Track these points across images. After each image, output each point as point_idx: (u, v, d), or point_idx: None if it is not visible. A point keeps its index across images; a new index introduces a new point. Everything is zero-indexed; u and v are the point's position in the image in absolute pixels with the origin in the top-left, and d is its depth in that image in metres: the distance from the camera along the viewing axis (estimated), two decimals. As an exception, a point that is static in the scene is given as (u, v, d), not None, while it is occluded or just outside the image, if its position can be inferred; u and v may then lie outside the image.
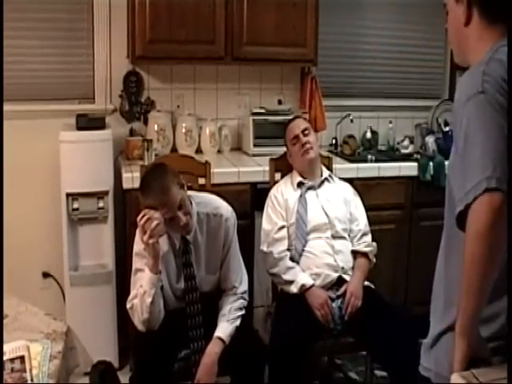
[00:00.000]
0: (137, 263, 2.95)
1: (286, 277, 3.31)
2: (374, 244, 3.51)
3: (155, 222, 2.74)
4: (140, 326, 2.89)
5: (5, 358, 2.10)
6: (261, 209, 3.61)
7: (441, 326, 1.82)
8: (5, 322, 2.48)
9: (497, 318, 1.70)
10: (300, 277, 3.28)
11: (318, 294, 3.23)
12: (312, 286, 3.26)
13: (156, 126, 4.31)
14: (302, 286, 3.25)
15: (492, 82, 1.65)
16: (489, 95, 1.64)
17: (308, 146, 3.52)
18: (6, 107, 4.00)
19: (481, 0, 1.78)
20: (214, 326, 2.96)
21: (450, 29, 1.92)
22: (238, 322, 3.01)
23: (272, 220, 3.46)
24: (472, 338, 1.63)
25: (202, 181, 3.62)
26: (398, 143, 4.91)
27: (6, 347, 2.17)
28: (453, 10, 1.86)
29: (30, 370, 2.08)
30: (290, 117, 3.99)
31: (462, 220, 1.63)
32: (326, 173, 3.64)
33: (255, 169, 4.10)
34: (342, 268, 3.36)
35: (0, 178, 3.30)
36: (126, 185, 3.79)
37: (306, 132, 3.57)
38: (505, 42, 1.73)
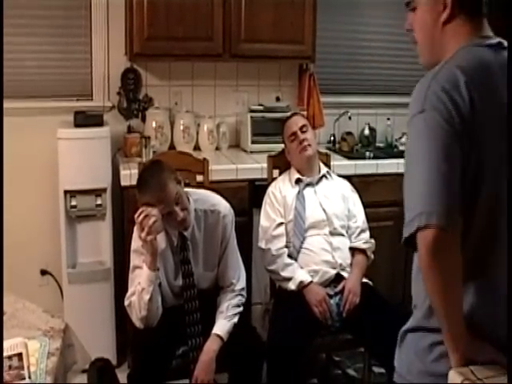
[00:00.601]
0: (135, 260, 2.95)
1: (284, 274, 3.31)
2: (372, 241, 3.51)
3: (153, 219, 2.75)
4: (138, 323, 2.89)
5: (3, 355, 2.11)
6: (259, 206, 3.61)
7: (406, 326, 1.83)
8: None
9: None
10: (298, 274, 3.28)
11: (316, 291, 3.23)
12: (310, 282, 3.26)
13: (154, 123, 4.30)
14: (300, 282, 3.25)
15: (435, 99, 1.60)
16: (430, 114, 1.59)
17: (306, 143, 3.52)
18: (4, 104, 4.00)
19: None
20: (212, 323, 2.97)
21: (419, 28, 1.82)
22: (235, 319, 3.01)
23: (270, 217, 3.46)
24: (463, 349, 1.61)
25: (199, 178, 3.61)
26: (396, 140, 4.92)
27: (3, 344, 2.17)
28: (426, 6, 1.77)
29: (28, 367, 2.09)
30: (288, 114, 3.99)
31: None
32: (324, 169, 3.64)
33: (253, 166, 4.11)
34: (340, 265, 3.36)
35: (0, 179, 3.30)
36: (124, 182, 3.79)
37: (304, 129, 3.57)
38: (471, 41, 1.71)
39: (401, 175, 4.46)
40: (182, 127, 4.39)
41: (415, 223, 1.55)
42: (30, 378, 2.05)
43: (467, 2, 1.72)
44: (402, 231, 1.62)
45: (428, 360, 1.71)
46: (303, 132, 3.56)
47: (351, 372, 3.93)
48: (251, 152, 4.44)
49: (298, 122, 3.62)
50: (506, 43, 1.74)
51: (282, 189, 3.52)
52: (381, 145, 5.00)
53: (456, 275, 1.59)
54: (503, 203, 1.63)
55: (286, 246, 3.41)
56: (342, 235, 3.47)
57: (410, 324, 1.81)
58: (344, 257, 3.40)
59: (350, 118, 4.85)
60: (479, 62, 1.67)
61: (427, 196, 1.55)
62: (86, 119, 3.83)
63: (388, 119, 5.05)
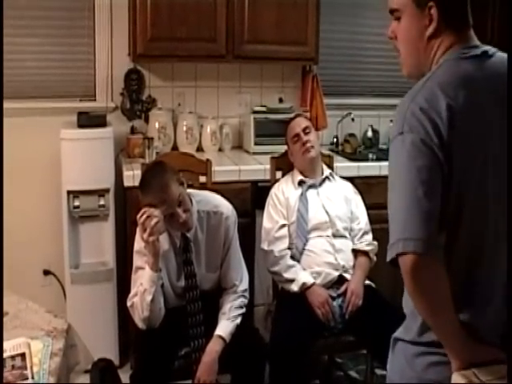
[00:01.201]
0: (137, 261, 2.95)
1: (287, 275, 3.31)
2: (375, 243, 3.50)
3: (155, 220, 2.75)
4: (140, 324, 2.90)
5: (5, 355, 2.12)
6: (261, 207, 3.61)
7: (398, 332, 1.84)
8: (5, 319, 2.48)
9: None
10: (301, 275, 3.28)
11: (319, 293, 3.23)
12: (313, 284, 3.26)
13: (157, 124, 4.31)
14: (303, 284, 3.25)
15: (414, 120, 1.58)
16: (408, 136, 1.58)
17: (309, 144, 3.52)
18: (8, 105, 4.00)
19: (446, 9, 1.68)
20: (215, 324, 2.97)
21: (403, 39, 1.78)
22: (238, 321, 3.01)
23: (273, 218, 3.46)
24: (464, 356, 1.61)
25: (202, 179, 3.62)
26: (399, 142, 4.89)
27: (6, 344, 2.18)
28: (411, 16, 1.73)
29: (31, 368, 2.10)
30: (291, 115, 3.99)
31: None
32: (326, 171, 3.63)
33: (256, 167, 4.10)
34: (343, 267, 3.36)
35: (0, 178, 3.30)
36: (126, 183, 3.79)
37: (307, 131, 3.57)
38: (454, 54, 1.68)
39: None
40: (185, 128, 4.39)
41: (394, 249, 1.57)
42: (32, 378, 2.05)
43: (453, 16, 1.70)
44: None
45: (418, 368, 1.72)
46: (306, 134, 3.56)
47: (353, 374, 3.92)
48: (254, 153, 4.44)
49: (301, 123, 3.62)
50: (492, 51, 1.72)
51: (285, 190, 3.52)
52: (384, 147, 4.98)
53: (441, 295, 1.60)
54: (488, 216, 1.64)
55: (289, 248, 3.41)
56: (345, 237, 3.47)
57: (401, 332, 1.82)
58: (347, 259, 3.40)
59: (352, 119, 4.84)
60: (462, 76, 1.65)
61: (404, 222, 1.56)
62: (89, 120, 3.84)
63: (391, 121, 5.02)
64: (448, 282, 1.59)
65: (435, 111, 1.58)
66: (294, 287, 3.27)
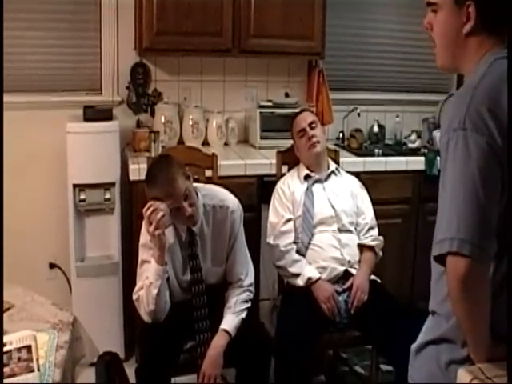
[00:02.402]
0: (143, 255, 2.95)
1: (293, 270, 3.31)
2: (381, 238, 3.50)
3: (161, 213, 2.75)
4: (146, 318, 2.90)
5: (12, 347, 2.12)
6: (267, 201, 3.60)
7: (428, 336, 1.78)
8: (11, 311, 2.49)
9: None
10: (306, 270, 3.28)
11: (325, 288, 3.23)
12: (318, 279, 3.25)
13: (163, 118, 4.31)
14: (309, 279, 3.25)
15: (478, 119, 1.55)
16: (472, 135, 1.54)
17: (315, 139, 3.51)
18: (14, 98, 4.03)
19: (485, 9, 1.65)
20: (220, 318, 2.97)
21: (440, 32, 1.77)
22: (243, 315, 3.01)
23: (278, 213, 3.46)
24: (487, 357, 1.60)
25: (208, 173, 3.61)
26: (405, 137, 4.90)
27: (13, 337, 2.19)
28: (449, 11, 1.71)
29: (37, 360, 2.10)
30: (297, 110, 3.98)
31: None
32: (332, 166, 3.63)
33: (262, 161, 4.10)
34: (349, 261, 3.36)
35: (0, 172, 3.30)
36: (132, 176, 3.79)
37: (313, 125, 3.56)
38: (500, 54, 1.65)
39: (409, 172, 4.49)
40: (190, 122, 4.39)
41: (446, 246, 1.54)
42: (38, 370, 2.06)
43: (491, 16, 1.67)
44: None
45: (452, 375, 1.65)
46: (312, 128, 3.55)
47: (359, 369, 3.93)
48: (260, 148, 4.44)
49: (307, 118, 3.61)
50: None
51: (291, 185, 3.52)
52: (389, 142, 4.98)
53: (486, 303, 1.57)
54: None
55: (295, 242, 3.40)
56: (351, 232, 3.46)
57: (433, 334, 1.76)
58: (352, 253, 3.40)
59: (358, 114, 4.83)
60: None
61: (461, 221, 1.52)
62: (96, 113, 3.84)
63: (397, 116, 5.04)
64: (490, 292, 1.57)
65: (500, 110, 1.55)
66: (300, 282, 3.27)
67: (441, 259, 1.57)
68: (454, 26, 1.71)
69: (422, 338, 1.81)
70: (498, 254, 1.59)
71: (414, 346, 1.84)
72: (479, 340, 1.61)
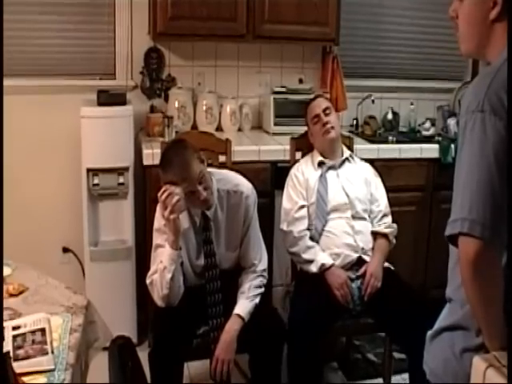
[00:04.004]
0: (157, 239, 2.95)
1: (306, 256, 3.30)
2: (395, 225, 3.48)
3: (176, 198, 2.75)
4: (159, 302, 2.90)
5: (26, 329, 2.14)
6: (281, 188, 3.59)
7: (443, 322, 1.78)
8: (25, 294, 2.51)
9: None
10: (320, 256, 3.27)
11: (338, 274, 3.22)
12: (332, 265, 3.25)
13: (177, 103, 4.30)
14: (322, 265, 3.24)
15: (496, 101, 1.54)
16: (490, 117, 1.53)
17: (329, 125, 3.49)
18: (28, 82, 4.05)
19: None
20: (234, 304, 2.97)
21: (466, 19, 1.75)
22: (257, 300, 3.02)
23: (292, 199, 3.45)
24: (501, 341, 1.59)
25: (222, 158, 3.60)
26: (420, 125, 4.87)
27: (27, 319, 2.21)
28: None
29: (51, 342, 2.12)
30: (311, 96, 3.95)
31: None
32: (346, 153, 3.61)
33: (276, 147, 4.09)
34: (362, 249, 3.35)
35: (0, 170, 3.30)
36: (146, 161, 3.79)
37: (328, 111, 3.55)
38: None
39: (423, 160, 4.46)
40: (204, 107, 4.38)
41: (457, 226, 1.54)
42: (52, 352, 2.07)
43: None
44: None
45: (467, 363, 1.64)
46: (326, 115, 3.53)
47: (371, 356, 3.93)
48: (273, 134, 4.43)
49: (321, 104, 3.59)
50: None
51: (305, 171, 3.51)
52: (404, 129, 4.96)
53: (497, 287, 1.56)
54: None
55: (308, 229, 3.39)
56: (364, 219, 3.45)
57: (448, 321, 1.77)
58: (366, 240, 3.39)
59: (373, 101, 4.81)
60: None
61: (474, 203, 1.52)
62: (109, 98, 3.84)
63: (411, 104, 5.01)
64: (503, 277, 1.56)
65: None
66: (313, 268, 3.26)
67: (454, 240, 1.57)
68: (480, 12, 1.69)
69: (438, 324, 1.81)
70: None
71: (430, 333, 1.83)
72: (492, 327, 1.60)
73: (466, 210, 1.53)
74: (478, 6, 1.70)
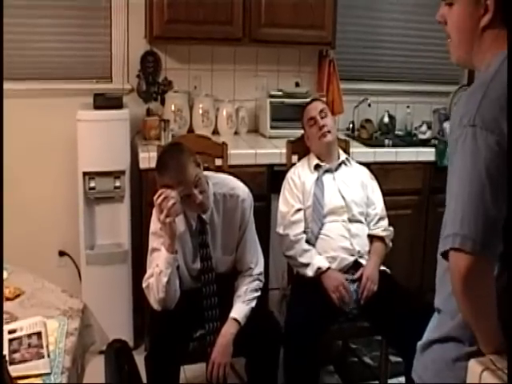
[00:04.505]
0: (153, 242, 2.95)
1: (302, 259, 3.30)
2: (391, 228, 3.49)
3: (172, 201, 2.74)
4: (156, 306, 2.90)
5: (22, 333, 2.14)
6: (277, 191, 3.60)
7: (434, 334, 1.76)
8: (22, 298, 2.50)
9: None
10: (316, 259, 3.27)
11: (334, 277, 3.22)
12: (328, 268, 3.25)
13: (173, 107, 4.30)
14: (318, 268, 3.24)
15: (489, 116, 1.52)
16: (482, 133, 1.51)
17: (325, 129, 3.50)
18: (24, 86, 4.04)
19: (505, 4, 1.60)
20: (230, 307, 2.97)
21: (455, 26, 1.71)
22: (253, 304, 3.01)
23: (288, 202, 3.45)
24: (495, 347, 1.58)
25: (218, 162, 3.61)
26: (416, 128, 4.88)
27: (23, 323, 2.20)
28: (466, 4, 1.65)
29: (47, 346, 2.11)
30: (308, 99, 3.97)
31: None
32: (343, 156, 3.61)
33: (272, 151, 4.09)
34: (358, 252, 3.35)
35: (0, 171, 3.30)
36: (142, 165, 3.79)
37: (324, 115, 3.55)
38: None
39: (420, 163, 4.47)
40: (201, 111, 4.38)
41: (449, 242, 1.53)
42: (48, 356, 2.07)
43: (507, 11, 1.61)
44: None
45: (460, 372, 1.63)
46: (323, 118, 3.54)
47: (367, 360, 3.93)
48: (270, 137, 4.44)
49: (317, 107, 3.59)
50: None
51: (301, 174, 3.51)
52: (400, 133, 4.97)
53: (490, 299, 1.55)
54: None
55: (304, 232, 3.39)
56: (361, 222, 3.45)
57: (438, 332, 1.74)
58: (362, 244, 3.39)
59: (369, 105, 4.81)
60: None
61: (465, 218, 1.51)
62: (106, 101, 3.83)
63: (408, 107, 5.02)
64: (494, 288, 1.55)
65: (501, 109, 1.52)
66: (309, 272, 3.26)
67: (447, 255, 1.56)
68: (471, 18, 1.65)
69: (427, 336, 1.80)
70: (506, 256, 1.57)
71: (420, 344, 1.82)
72: (487, 334, 1.59)
73: (458, 224, 1.52)
74: (468, 13, 1.66)
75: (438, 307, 1.77)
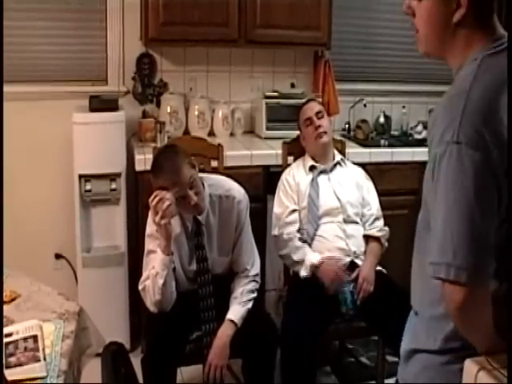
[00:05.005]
0: (149, 245, 2.95)
1: (296, 257, 3.31)
2: (387, 228, 3.50)
3: (167, 203, 2.74)
4: (152, 308, 2.90)
5: (18, 336, 2.13)
6: (273, 192, 3.60)
7: (420, 344, 1.71)
8: (18, 301, 2.50)
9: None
10: (308, 256, 3.27)
11: (328, 268, 3.22)
12: (321, 263, 3.24)
13: (169, 108, 4.30)
14: (311, 265, 3.24)
15: (473, 132, 1.44)
16: (467, 151, 1.43)
17: (322, 129, 3.50)
18: (20, 88, 4.03)
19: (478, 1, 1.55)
20: (226, 309, 2.97)
21: (425, 20, 1.64)
22: (249, 305, 3.02)
23: (283, 204, 3.45)
24: (491, 349, 1.55)
25: (214, 163, 3.61)
26: (412, 128, 4.89)
27: (19, 326, 2.20)
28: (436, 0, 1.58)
29: (43, 349, 2.11)
30: (303, 100, 3.96)
31: None
32: (338, 157, 3.62)
33: (268, 152, 4.09)
34: (354, 252, 3.35)
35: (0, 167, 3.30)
36: (138, 167, 3.79)
37: (320, 115, 3.56)
38: (489, 50, 1.56)
39: (415, 163, 4.47)
40: (196, 113, 4.38)
41: (442, 272, 1.47)
42: (45, 359, 2.07)
43: (482, 8, 1.57)
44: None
45: (451, 376, 1.61)
46: (319, 118, 3.54)
47: (364, 360, 3.93)
48: (266, 138, 4.44)
49: (314, 107, 3.60)
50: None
51: (296, 175, 3.51)
52: (396, 133, 4.97)
53: (489, 316, 1.52)
54: None
55: (299, 233, 3.40)
56: (356, 223, 3.46)
57: (427, 345, 1.69)
58: (358, 244, 3.39)
59: (365, 105, 4.82)
60: (503, 74, 1.51)
61: (457, 246, 1.45)
62: (101, 103, 3.83)
63: (403, 107, 5.02)
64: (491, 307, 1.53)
65: (496, 118, 1.46)
66: (304, 272, 3.27)
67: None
68: (442, 13, 1.58)
69: (410, 343, 1.75)
70: (499, 272, 1.53)
71: (404, 351, 1.78)
72: (484, 343, 1.57)
73: (450, 254, 1.45)
74: (438, 6, 1.59)
75: (419, 312, 1.74)
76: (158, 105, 4.39)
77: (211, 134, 4.46)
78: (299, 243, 3.34)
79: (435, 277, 1.51)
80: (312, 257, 3.27)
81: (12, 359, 2.03)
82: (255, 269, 3.13)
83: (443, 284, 1.50)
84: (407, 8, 1.69)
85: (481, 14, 1.58)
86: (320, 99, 4.48)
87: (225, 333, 2.90)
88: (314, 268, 3.25)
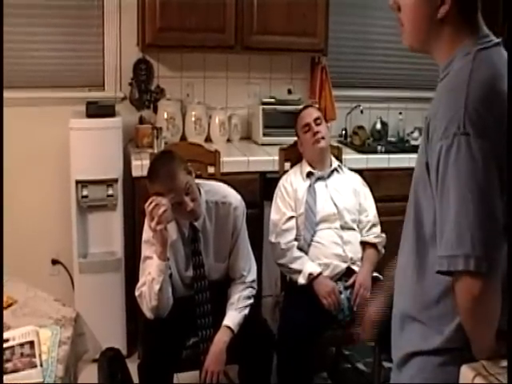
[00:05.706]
0: (146, 251, 2.95)
1: (294, 266, 3.31)
2: (383, 235, 3.50)
3: (163, 208, 2.74)
4: (148, 314, 2.90)
5: (15, 342, 2.13)
6: (270, 198, 3.60)
7: (417, 347, 1.69)
8: (14, 307, 2.49)
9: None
10: (307, 266, 3.28)
11: (326, 283, 3.23)
12: (319, 274, 3.25)
13: (166, 114, 4.30)
14: (310, 275, 3.24)
15: (480, 121, 1.46)
16: (476, 141, 1.45)
17: (319, 135, 3.51)
18: (17, 94, 4.03)
19: None
20: (223, 315, 2.97)
21: (410, 15, 1.66)
22: (246, 311, 3.02)
23: (280, 210, 3.46)
24: (489, 353, 1.56)
25: (211, 169, 3.61)
26: (408, 134, 4.90)
27: (15, 332, 2.20)
28: None
29: (40, 355, 2.10)
30: (300, 106, 3.97)
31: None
32: (335, 163, 3.63)
33: (264, 158, 4.09)
34: (351, 259, 3.36)
35: (0, 171, 3.31)
36: (135, 173, 3.79)
37: (318, 121, 3.57)
38: (481, 45, 1.58)
39: (412, 169, 4.45)
40: (193, 118, 4.38)
41: (460, 264, 1.45)
42: (41, 365, 2.06)
43: (467, 4, 1.60)
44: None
45: (448, 376, 1.61)
46: (317, 124, 3.55)
47: (361, 366, 3.93)
48: (262, 144, 4.44)
49: (312, 113, 3.61)
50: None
51: (293, 182, 3.52)
52: (392, 139, 4.98)
53: (498, 310, 1.52)
54: None
55: (296, 240, 3.40)
56: (353, 229, 3.46)
57: (423, 347, 1.67)
58: (355, 251, 3.40)
59: (361, 111, 4.82)
60: (498, 68, 1.55)
61: (475, 237, 1.44)
62: (98, 109, 3.83)
63: (400, 113, 5.03)
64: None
65: (497, 107, 1.49)
66: (301, 280, 3.27)
67: (446, 272, 1.51)
68: (426, 8, 1.61)
69: (406, 349, 1.73)
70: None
71: (398, 357, 1.76)
72: (486, 344, 1.57)
73: (468, 245, 1.44)
74: (424, 3, 1.61)
75: (412, 316, 1.70)
76: (155, 111, 4.39)
77: (208, 139, 4.46)
78: (298, 253, 3.35)
79: (448, 271, 1.49)
80: (310, 267, 3.28)
81: (8, 365, 2.02)
82: (252, 275, 3.14)
83: (459, 277, 1.48)
84: (393, 2, 1.72)
85: (465, 10, 1.60)
86: (317, 105, 4.49)
87: (221, 339, 2.90)
88: (312, 278, 3.25)
